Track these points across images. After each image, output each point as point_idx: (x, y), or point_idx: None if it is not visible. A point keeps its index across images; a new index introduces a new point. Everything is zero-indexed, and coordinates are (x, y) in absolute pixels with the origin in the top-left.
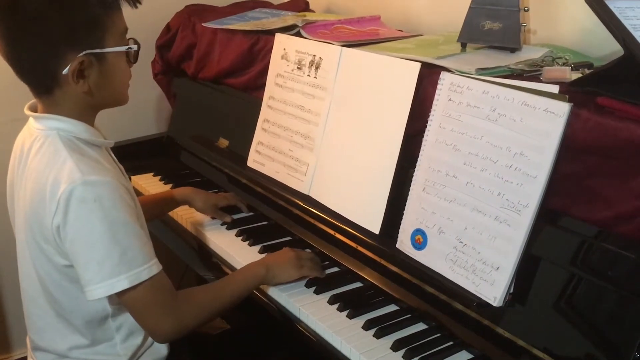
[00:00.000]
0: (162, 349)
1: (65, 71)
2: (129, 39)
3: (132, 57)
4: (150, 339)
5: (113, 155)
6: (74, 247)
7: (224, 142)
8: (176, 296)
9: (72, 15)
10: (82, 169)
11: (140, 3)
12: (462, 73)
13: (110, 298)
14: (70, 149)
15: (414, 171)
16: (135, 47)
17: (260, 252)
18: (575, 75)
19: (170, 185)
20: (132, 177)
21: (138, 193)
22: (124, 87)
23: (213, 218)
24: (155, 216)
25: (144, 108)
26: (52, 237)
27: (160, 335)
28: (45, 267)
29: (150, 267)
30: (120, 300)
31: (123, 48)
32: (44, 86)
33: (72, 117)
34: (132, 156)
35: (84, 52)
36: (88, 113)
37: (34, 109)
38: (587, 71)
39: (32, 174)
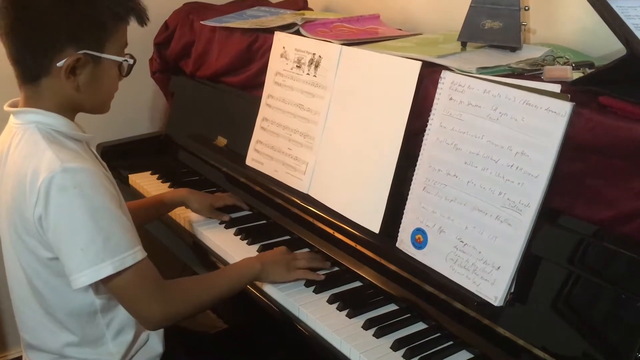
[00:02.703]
0: (157, 347)
1: (60, 63)
2: (126, 53)
3: (124, 70)
4: (142, 336)
5: (95, 151)
6: (56, 236)
7: (222, 141)
8: (164, 283)
9: (81, 12)
10: (61, 157)
11: (146, 24)
12: (463, 72)
13: (97, 289)
14: (49, 141)
15: (414, 170)
16: (131, 61)
17: (259, 251)
18: (577, 75)
19: (168, 184)
20: (130, 176)
21: (136, 193)
22: (109, 96)
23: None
24: (152, 219)
25: (141, 106)
26: (35, 229)
27: (150, 321)
28: (30, 263)
29: (135, 253)
30: (107, 288)
31: (120, 58)
32: (33, 74)
33: (52, 111)
34: (129, 154)
35: (83, 51)
36: (68, 111)
37: (14, 106)
38: (588, 70)
39: (12, 168)
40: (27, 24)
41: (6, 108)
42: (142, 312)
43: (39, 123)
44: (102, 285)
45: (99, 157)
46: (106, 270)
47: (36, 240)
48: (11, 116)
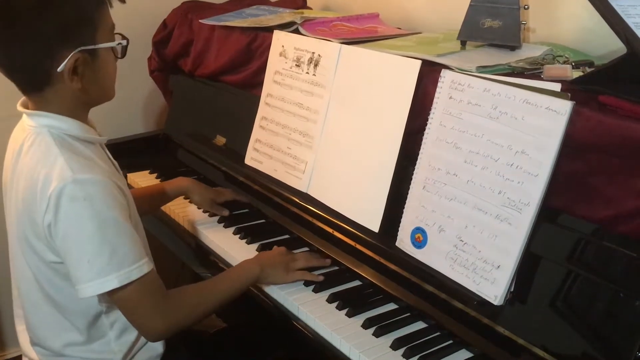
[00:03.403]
0: (158, 346)
1: (60, 69)
2: (116, 34)
3: (118, 53)
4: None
5: (107, 151)
6: (64, 245)
7: (221, 140)
8: (167, 295)
9: (65, 13)
10: (73, 167)
11: (125, 1)
12: (462, 71)
13: (101, 296)
14: (62, 147)
15: (413, 169)
16: (124, 42)
17: (258, 250)
18: (577, 74)
19: None
20: (128, 175)
21: None
22: (112, 82)
23: (211, 215)
24: (155, 209)
25: (140, 105)
26: (44, 234)
27: (151, 334)
28: (37, 264)
29: (140, 267)
30: (111, 299)
31: (114, 43)
32: (35, 84)
33: (64, 114)
34: (128, 153)
35: (78, 49)
36: (80, 110)
37: (26, 106)
38: (588, 69)
39: (23, 171)
40: (17, 40)
41: (19, 108)
42: (143, 325)
43: (51, 127)
44: (106, 294)
45: (111, 157)
46: (111, 283)
47: (44, 244)
48: (25, 114)
